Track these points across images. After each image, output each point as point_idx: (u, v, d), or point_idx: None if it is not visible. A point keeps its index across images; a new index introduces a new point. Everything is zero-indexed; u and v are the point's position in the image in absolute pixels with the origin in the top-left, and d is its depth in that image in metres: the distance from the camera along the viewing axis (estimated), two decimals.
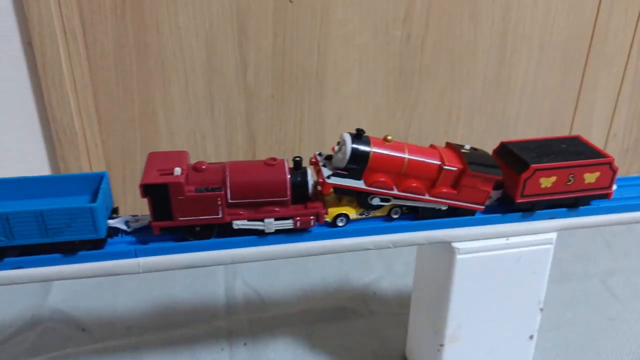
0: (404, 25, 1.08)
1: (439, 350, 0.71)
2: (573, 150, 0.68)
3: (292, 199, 0.61)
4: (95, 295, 0.96)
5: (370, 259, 1.08)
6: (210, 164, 0.61)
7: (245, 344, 0.86)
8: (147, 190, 0.56)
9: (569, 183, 0.66)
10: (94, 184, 0.62)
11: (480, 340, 0.72)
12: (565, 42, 1.17)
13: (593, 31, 1.17)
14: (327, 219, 0.63)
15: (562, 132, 1.26)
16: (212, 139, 1.09)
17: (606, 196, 0.69)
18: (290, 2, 1.01)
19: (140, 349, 0.85)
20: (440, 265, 0.68)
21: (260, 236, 0.61)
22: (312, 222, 0.61)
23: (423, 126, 1.18)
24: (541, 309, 0.72)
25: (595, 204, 0.69)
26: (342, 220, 0.63)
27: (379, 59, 1.10)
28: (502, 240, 0.66)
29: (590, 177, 0.67)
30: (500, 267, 0.68)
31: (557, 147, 0.69)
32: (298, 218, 0.60)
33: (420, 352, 0.79)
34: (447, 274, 0.67)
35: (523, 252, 0.67)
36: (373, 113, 1.14)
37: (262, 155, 1.12)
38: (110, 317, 0.91)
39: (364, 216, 0.64)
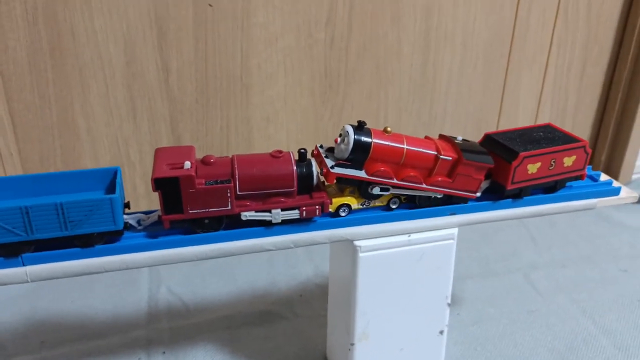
0: (327, 28, 1.08)
1: (349, 349, 0.71)
2: (550, 137, 0.73)
3: (297, 189, 0.63)
4: (10, 310, 0.93)
5: (299, 261, 1.08)
6: (217, 157, 0.63)
7: (164, 352, 0.85)
8: (159, 184, 0.58)
9: (550, 168, 0.71)
10: (106, 179, 0.63)
11: (390, 338, 0.72)
12: (487, 41, 1.20)
13: (513, 29, 1.20)
14: (331, 209, 0.65)
15: (488, 129, 1.28)
16: (135, 145, 1.07)
17: (580, 177, 0.74)
18: (210, 5, 1.01)
19: None
20: (346, 263, 0.68)
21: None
22: (317, 212, 0.63)
23: None
24: (449, 304, 0.73)
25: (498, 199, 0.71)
26: (344, 211, 0.66)
27: (304, 61, 1.10)
28: (404, 237, 0.67)
29: (568, 161, 0.72)
30: (404, 264, 0.68)
31: (536, 135, 0.74)
32: (304, 208, 0.63)
33: (337, 352, 0.79)
34: (352, 273, 0.67)
35: (425, 248, 0.68)
36: (301, 115, 1.15)
37: None
38: (25, 331, 0.88)
39: (364, 206, 0.67)
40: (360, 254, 0.66)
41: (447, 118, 1.24)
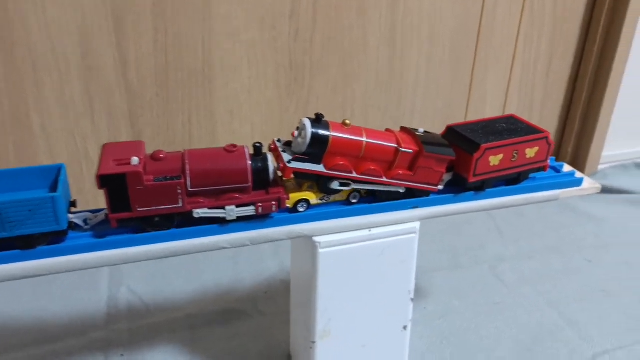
0: (291, 20, 1.06)
1: (311, 347, 0.70)
2: (512, 128, 0.72)
3: (253, 185, 0.61)
4: None
5: (265, 257, 1.06)
6: (168, 152, 0.60)
7: (123, 354, 0.82)
8: (104, 181, 0.55)
9: (513, 159, 0.70)
10: (50, 176, 0.60)
11: (352, 335, 0.71)
12: (453, 34, 1.19)
13: (480, 23, 1.20)
14: (288, 205, 0.63)
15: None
16: (93, 142, 1.04)
17: (543, 169, 0.73)
18: None
19: None
20: (306, 260, 0.67)
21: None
22: (273, 208, 0.61)
23: None
24: (412, 299, 0.72)
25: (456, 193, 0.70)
26: (303, 206, 0.64)
27: (268, 54, 1.08)
28: (365, 232, 0.66)
29: (530, 152, 0.71)
30: (365, 259, 0.67)
31: (499, 127, 0.73)
32: (260, 204, 0.60)
33: (300, 350, 0.77)
34: (312, 269, 0.65)
35: (387, 242, 0.67)
36: (266, 108, 1.12)
37: None
38: None
39: (324, 201, 0.65)
40: (320, 250, 0.64)
41: (416, 113, 1.23)
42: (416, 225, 0.68)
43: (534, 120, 1.37)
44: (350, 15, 1.10)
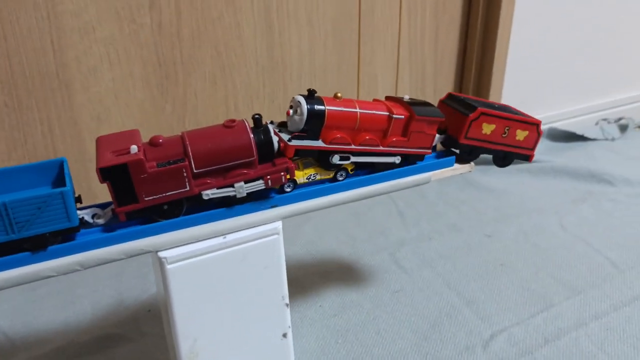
0: (152, 11, 0.97)
1: None
2: (508, 109, 0.74)
3: (258, 158, 0.59)
4: None
5: (152, 272, 0.98)
6: (166, 137, 0.58)
7: None
8: (106, 173, 0.53)
9: (504, 135, 0.71)
10: (50, 172, 0.57)
11: (225, 353, 0.64)
12: (334, 17, 1.14)
13: (359, 3, 1.15)
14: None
15: None
16: None
17: (529, 158, 0.75)
18: None
19: None
20: (160, 277, 0.60)
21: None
22: (283, 179, 0.60)
23: (199, 119, 1.09)
24: (287, 304, 0.66)
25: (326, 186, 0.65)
26: (289, 186, 0.62)
27: (131, 51, 0.98)
28: (219, 240, 0.59)
29: (520, 134, 0.72)
30: (224, 269, 0.60)
31: (496, 105, 0.75)
32: (269, 177, 0.59)
33: None
34: (164, 287, 0.58)
35: (247, 248, 0.61)
36: (138, 110, 1.03)
37: None
38: None
39: (310, 180, 0.64)
40: (168, 266, 0.57)
41: None
42: (278, 225, 0.62)
43: (428, 95, 1.34)
44: (218, 3, 1.02)
